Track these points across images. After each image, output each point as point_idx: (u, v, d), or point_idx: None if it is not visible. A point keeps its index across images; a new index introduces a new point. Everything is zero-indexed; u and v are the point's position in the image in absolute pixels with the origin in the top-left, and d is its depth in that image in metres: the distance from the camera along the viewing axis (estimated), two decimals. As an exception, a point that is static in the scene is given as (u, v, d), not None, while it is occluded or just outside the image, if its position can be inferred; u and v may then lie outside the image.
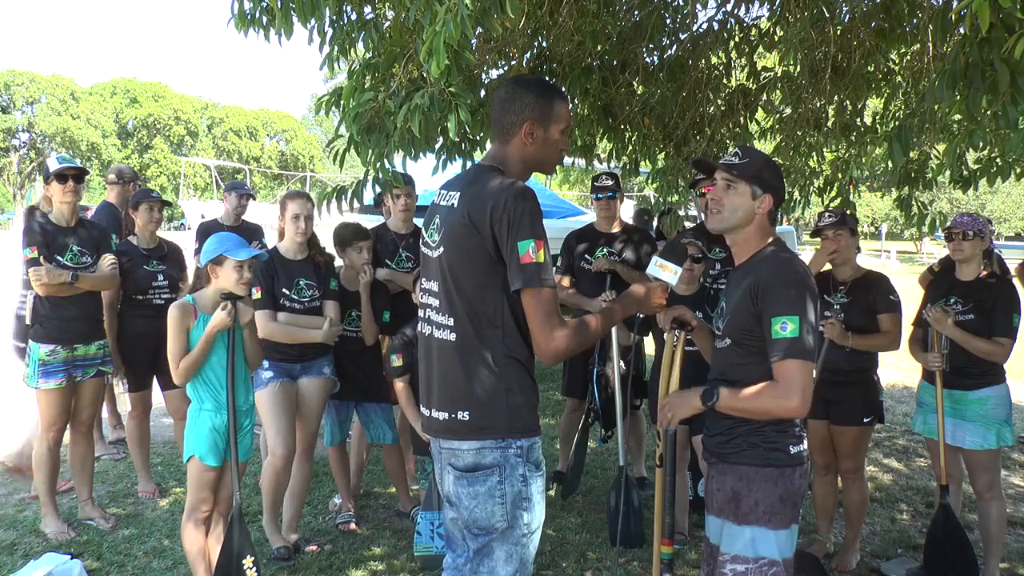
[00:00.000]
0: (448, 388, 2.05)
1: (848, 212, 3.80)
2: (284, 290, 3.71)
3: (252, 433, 3.30)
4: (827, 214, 3.62)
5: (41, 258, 3.81)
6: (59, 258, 3.89)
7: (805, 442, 2.21)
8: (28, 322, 3.95)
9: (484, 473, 2.00)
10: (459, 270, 2.01)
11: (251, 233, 5.36)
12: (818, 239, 3.71)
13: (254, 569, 3.08)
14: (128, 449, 4.80)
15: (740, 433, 2.18)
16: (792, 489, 2.15)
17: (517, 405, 2.01)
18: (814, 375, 2.71)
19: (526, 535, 2.04)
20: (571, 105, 4.21)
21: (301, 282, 3.75)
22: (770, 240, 2.24)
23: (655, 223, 6.35)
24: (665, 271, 2.26)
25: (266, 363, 3.69)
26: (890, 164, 3.67)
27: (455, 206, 2.05)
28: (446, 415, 2.05)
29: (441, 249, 2.06)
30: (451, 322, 2.03)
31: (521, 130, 2.08)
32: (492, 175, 2.05)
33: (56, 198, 3.94)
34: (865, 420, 3.57)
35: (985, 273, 3.53)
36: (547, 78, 3.92)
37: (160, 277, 4.42)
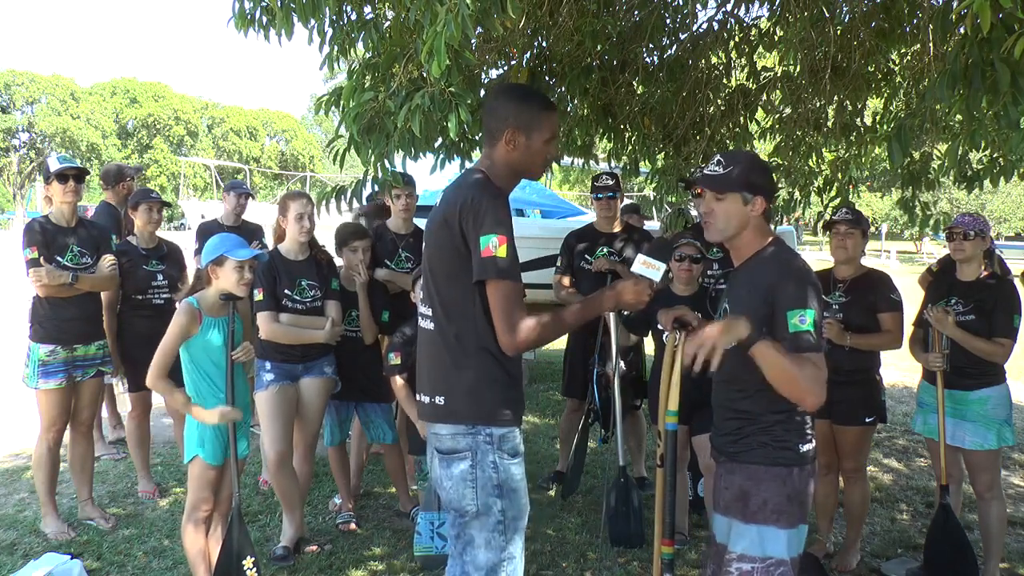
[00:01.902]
0: (429, 374, 2.19)
1: (864, 214, 3.79)
2: (286, 291, 3.70)
3: (249, 430, 3.31)
4: (844, 210, 3.63)
5: (41, 259, 3.81)
6: (59, 258, 3.89)
7: (813, 440, 2.22)
8: (28, 322, 3.95)
9: (458, 457, 2.12)
10: (435, 263, 2.14)
11: (252, 233, 5.34)
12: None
13: (254, 569, 3.09)
14: (128, 449, 4.81)
15: (749, 432, 2.18)
16: (800, 488, 2.15)
17: (485, 393, 2.09)
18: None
19: (502, 522, 2.10)
20: (571, 105, 4.21)
21: (303, 282, 3.75)
22: (770, 240, 2.24)
23: (657, 222, 6.33)
24: (650, 268, 2.26)
25: (268, 364, 3.70)
26: (890, 164, 3.66)
27: (438, 204, 2.19)
28: (427, 399, 2.19)
29: (425, 244, 2.22)
30: (430, 312, 2.17)
31: (504, 136, 2.15)
32: (474, 176, 2.16)
33: (56, 198, 3.94)
34: (867, 420, 3.57)
35: (986, 274, 3.53)
36: (546, 78, 3.93)
37: (159, 277, 4.41)
